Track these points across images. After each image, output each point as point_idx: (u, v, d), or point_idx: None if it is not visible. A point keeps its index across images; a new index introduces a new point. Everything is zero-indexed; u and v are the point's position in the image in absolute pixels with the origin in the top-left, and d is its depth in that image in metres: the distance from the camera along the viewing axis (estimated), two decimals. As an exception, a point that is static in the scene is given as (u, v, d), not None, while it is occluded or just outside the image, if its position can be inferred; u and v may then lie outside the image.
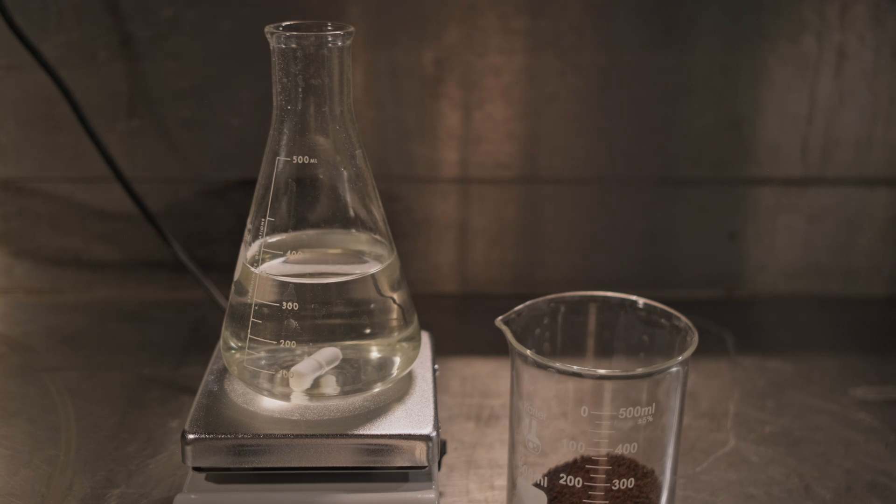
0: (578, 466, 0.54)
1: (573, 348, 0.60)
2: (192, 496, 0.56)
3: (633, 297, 0.59)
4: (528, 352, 0.53)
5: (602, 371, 0.52)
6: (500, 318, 0.56)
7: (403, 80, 0.87)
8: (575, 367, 0.52)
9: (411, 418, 0.57)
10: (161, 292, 0.92)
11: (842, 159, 0.90)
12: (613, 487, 0.53)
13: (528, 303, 0.58)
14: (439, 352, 0.69)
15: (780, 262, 0.94)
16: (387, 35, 0.85)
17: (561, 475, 0.54)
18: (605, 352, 0.60)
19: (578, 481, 0.53)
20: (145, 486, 0.64)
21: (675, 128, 0.89)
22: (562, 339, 0.60)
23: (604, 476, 0.53)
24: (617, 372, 0.53)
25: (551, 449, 0.55)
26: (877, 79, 0.87)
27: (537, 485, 0.55)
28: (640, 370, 0.53)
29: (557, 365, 0.52)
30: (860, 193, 0.91)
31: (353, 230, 0.59)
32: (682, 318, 0.56)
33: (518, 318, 0.57)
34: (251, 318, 0.58)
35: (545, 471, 0.55)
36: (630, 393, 0.54)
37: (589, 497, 0.53)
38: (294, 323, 0.57)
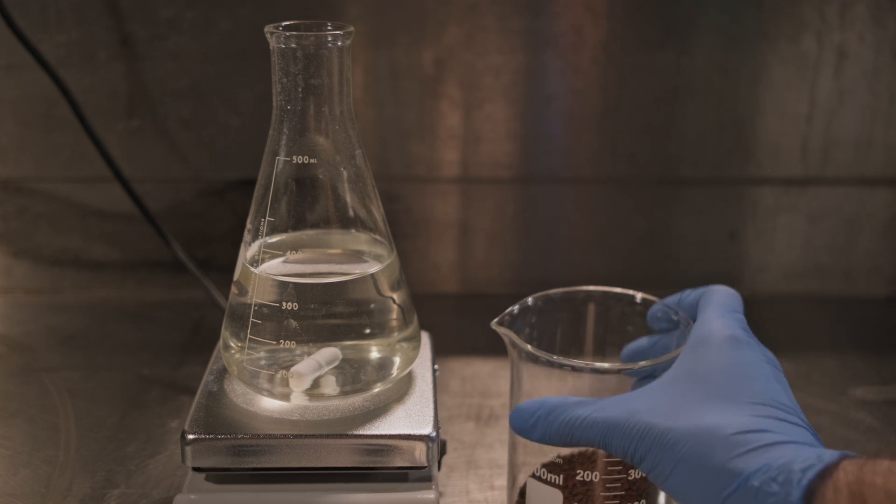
0: (591, 459, 0.54)
1: (572, 347, 0.60)
2: (192, 496, 0.56)
3: (631, 293, 0.59)
4: (529, 347, 0.53)
5: (605, 364, 0.52)
6: (496, 321, 0.55)
7: (403, 80, 0.87)
8: (575, 362, 0.52)
9: (411, 418, 0.57)
10: (161, 292, 0.91)
11: (842, 159, 0.90)
12: (629, 478, 0.53)
13: (520, 303, 0.57)
14: (439, 352, 0.69)
15: (780, 262, 0.94)
16: (387, 35, 0.85)
17: (577, 472, 0.53)
18: (602, 350, 0.60)
19: (596, 475, 0.53)
20: (145, 487, 0.64)
21: (675, 128, 0.89)
22: (560, 337, 0.60)
23: (619, 467, 0.53)
24: (617, 365, 0.53)
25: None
26: (877, 79, 0.87)
27: (549, 482, 0.54)
28: (641, 363, 0.53)
29: (555, 359, 0.51)
30: (860, 193, 0.91)
31: (353, 230, 0.59)
32: (679, 312, 0.56)
33: (512, 320, 0.57)
34: (251, 318, 0.58)
35: (557, 465, 0.55)
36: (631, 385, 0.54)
37: (606, 490, 0.53)
38: (294, 323, 0.57)
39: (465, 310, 0.91)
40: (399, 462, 0.56)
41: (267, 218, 0.58)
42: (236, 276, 0.60)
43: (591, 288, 0.59)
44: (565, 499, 0.54)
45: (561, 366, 0.52)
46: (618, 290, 0.59)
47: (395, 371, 0.59)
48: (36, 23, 0.83)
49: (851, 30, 0.86)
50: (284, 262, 0.58)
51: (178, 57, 0.85)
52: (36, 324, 0.86)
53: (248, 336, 0.58)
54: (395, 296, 0.60)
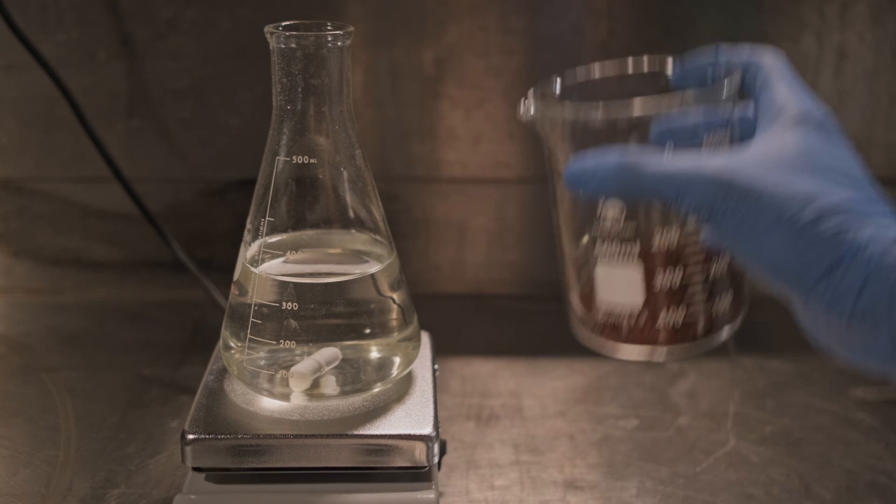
0: (659, 219, 0.45)
1: None
2: (192, 496, 0.56)
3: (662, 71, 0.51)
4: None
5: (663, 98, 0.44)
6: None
7: (403, 80, 0.87)
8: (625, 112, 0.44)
9: (411, 418, 0.57)
10: (161, 292, 0.91)
11: (842, 159, 0.90)
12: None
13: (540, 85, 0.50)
14: (439, 352, 0.69)
15: (780, 262, 0.93)
16: (387, 35, 0.85)
17: (654, 235, 0.45)
18: None
19: (675, 236, 0.44)
20: (145, 486, 0.64)
21: (675, 128, 0.89)
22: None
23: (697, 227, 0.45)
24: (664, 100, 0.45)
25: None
26: (877, 79, 0.87)
27: (624, 253, 0.45)
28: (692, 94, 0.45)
29: (600, 108, 0.44)
30: (860, 193, 0.91)
31: (353, 230, 0.59)
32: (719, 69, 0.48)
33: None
34: (251, 318, 0.58)
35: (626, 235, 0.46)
36: None
37: (690, 252, 0.45)
38: (294, 323, 0.57)
39: (465, 310, 0.91)
40: (399, 462, 0.56)
41: (267, 218, 0.58)
42: (236, 276, 0.60)
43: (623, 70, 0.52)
44: (646, 271, 0.45)
45: (609, 120, 0.45)
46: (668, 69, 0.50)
47: (395, 371, 0.59)
48: (36, 23, 0.83)
49: (851, 30, 0.86)
50: (284, 262, 0.58)
51: (178, 57, 0.85)
52: (36, 324, 0.86)
53: (248, 336, 0.58)
54: (395, 296, 0.60)
